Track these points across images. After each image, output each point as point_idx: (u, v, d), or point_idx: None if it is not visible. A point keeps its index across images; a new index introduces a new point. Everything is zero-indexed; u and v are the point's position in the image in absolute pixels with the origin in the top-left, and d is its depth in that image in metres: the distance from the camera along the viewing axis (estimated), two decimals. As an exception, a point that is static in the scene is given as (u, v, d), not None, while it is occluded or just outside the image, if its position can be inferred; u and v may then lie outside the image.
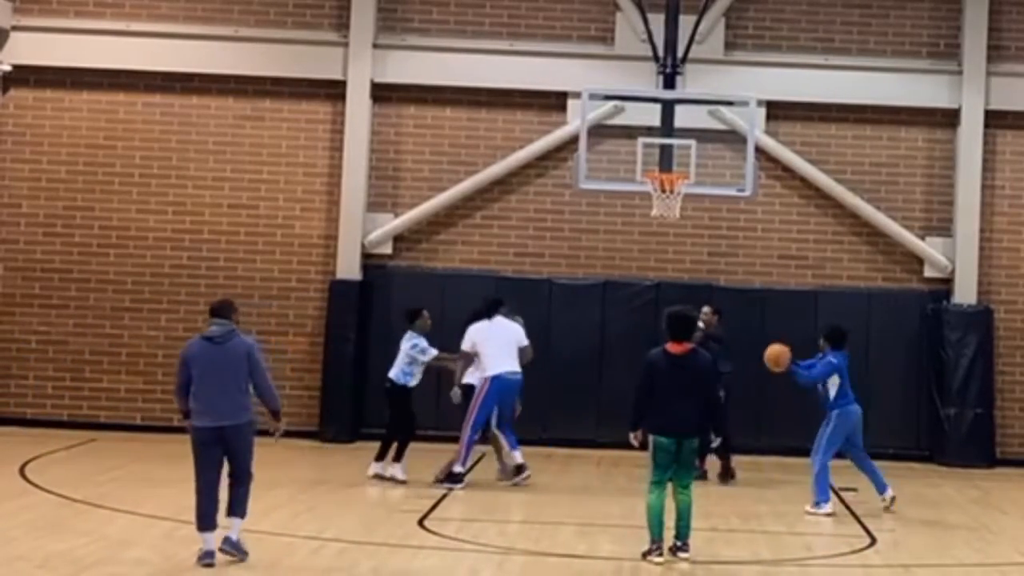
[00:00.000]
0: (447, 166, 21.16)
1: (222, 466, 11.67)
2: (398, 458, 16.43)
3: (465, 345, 16.65)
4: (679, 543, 12.35)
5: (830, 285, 20.88)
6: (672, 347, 12.31)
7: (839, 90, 20.90)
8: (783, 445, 19.80)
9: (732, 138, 20.39)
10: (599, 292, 20.75)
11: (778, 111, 20.91)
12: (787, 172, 21.04)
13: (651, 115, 18.98)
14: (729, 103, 19.90)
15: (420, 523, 13.76)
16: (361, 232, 20.87)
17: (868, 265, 21.09)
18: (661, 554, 12.22)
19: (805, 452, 19.83)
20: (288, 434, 20.18)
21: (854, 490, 17.18)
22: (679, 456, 12.22)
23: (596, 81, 20.01)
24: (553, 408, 20.42)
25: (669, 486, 12.33)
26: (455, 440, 16.55)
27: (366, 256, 20.98)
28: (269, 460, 18.37)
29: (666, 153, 18.37)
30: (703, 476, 17.14)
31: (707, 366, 12.49)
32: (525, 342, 16.90)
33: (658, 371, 12.25)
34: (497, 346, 16.57)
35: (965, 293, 20.70)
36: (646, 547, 12.24)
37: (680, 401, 12.12)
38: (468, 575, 11.52)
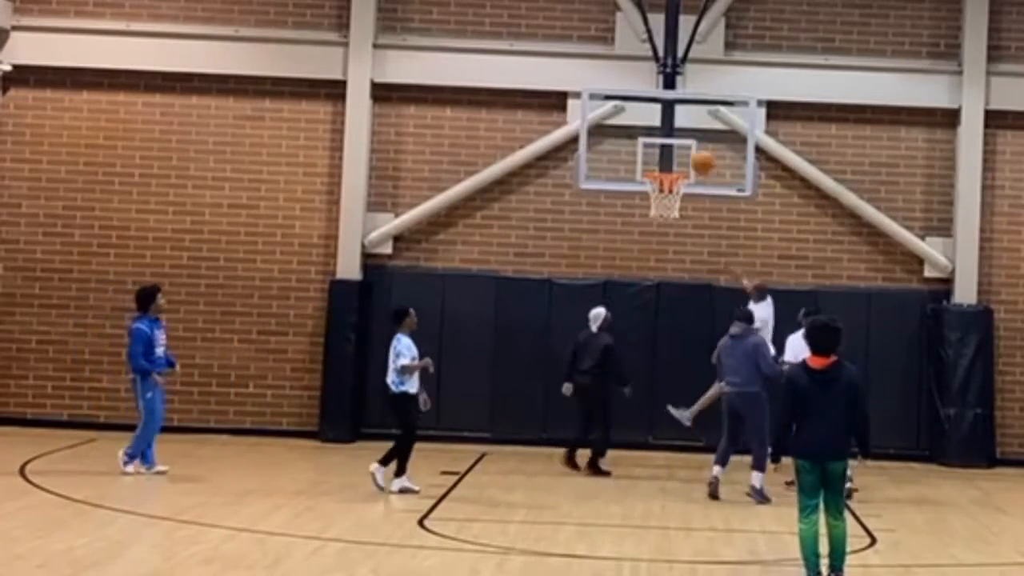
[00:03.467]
0: (447, 166, 21.16)
1: None
2: None
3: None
4: (832, 574, 11.25)
5: (830, 285, 20.87)
6: (813, 361, 11.20)
7: (839, 90, 20.90)
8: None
9: (732, 138, 20.40)
10: (599, 292, 20.73)
11: (778, 111, 20.91)
12: (787, 172, 21.04)
13: (651, 115, 18.97)
14: (729, 103, 19.90)
15: (420, 523, 13.75)
16: (361, 232, 20.87)
17: (868, 265, 21.09)
18: None
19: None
20: (288, 434, 20.43)
21: (855, 490, 17.19)
22: (825, 481, 11.16)
23: (596, 81, 20.01)
24: (553, 408, 20.40)
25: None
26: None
27: (366, 256, 20.98)
28: (269, 460, 18.45)
29: (666, 153, 18.36)
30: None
31: (854, 379, 11.22)
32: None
33: (799, 390, 11.15)
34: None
35: (965, 293, 20.70)
36: None
37: (824, 421, 11.05)
38: (468, 575, 11.51)
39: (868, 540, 13.76)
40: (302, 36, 21.02)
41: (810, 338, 11.35)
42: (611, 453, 19.69)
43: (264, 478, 16.54)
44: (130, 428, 20.07)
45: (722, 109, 20.42)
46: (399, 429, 15.94)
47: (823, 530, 11.33)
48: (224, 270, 21.02)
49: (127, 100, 21.19)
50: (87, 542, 12.21)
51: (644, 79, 20.27)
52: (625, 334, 20.23)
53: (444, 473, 17.14)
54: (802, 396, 11.15)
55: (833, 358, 11.18)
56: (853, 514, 15.42)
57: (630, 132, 19.69)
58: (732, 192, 19.19)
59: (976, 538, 14.31)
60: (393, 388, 15.84)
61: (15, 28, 20.93)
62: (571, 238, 21.12)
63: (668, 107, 18.58)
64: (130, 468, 16.42)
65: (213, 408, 20.77)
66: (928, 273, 21.00)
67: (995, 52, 20.87)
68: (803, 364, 11.32)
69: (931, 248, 20.92)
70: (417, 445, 16.50)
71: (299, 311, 21.02)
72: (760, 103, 19.54)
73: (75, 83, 21.13)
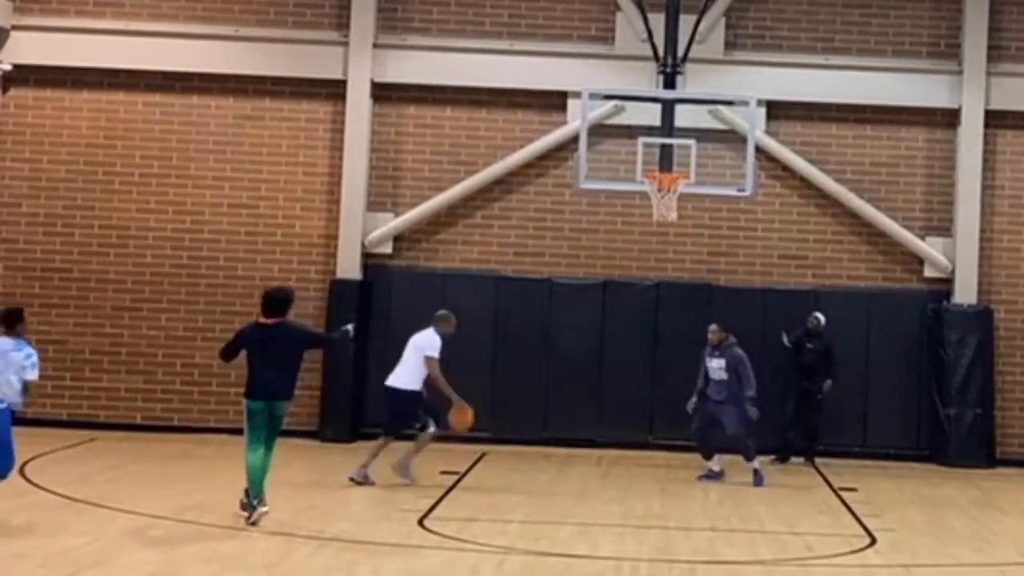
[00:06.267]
0: (447, 166, 21.16)
1: None
2: None
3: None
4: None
5: (830, 285, 20.87)
6: (264, 320, 13.42)
7: (839, 90, 20.90)
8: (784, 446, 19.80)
9: (732, 138, 20.39)
10: (599, 292, 20.75)
11: (778, 111, 20.91)
12: (787, 172, 21.04)
13: (651, 115, 18.96)
14: (729, 103, 19.90)
15: (420, 523, 13.75)
16: (361, 232, 20.87)
17: (868, 265, 21.09)
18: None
19: (804, 452, 19.90)
20: (288, 434, 20.40)
21: (854, 490, 17.21)
22: (271, 419, 13.47)
23: (596, 81, 20.00)
24: (553, 408, 20.42)
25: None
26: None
27: (366, 256, 20.98)
28: (269, 460, 18.39)
29: (666, 153, 18.36)
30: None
31: (296, 336, 13.63)
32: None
33: (250, 340, 13.43)
34: None
35: (965, 293, 20.70)
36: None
37: (271, 368, 13.29)
38: (468, 575, 11.51)
39: (868, 540, 13.76)
40: (302, 36, 21.01)
41: (263, 304, 13.44)
42: (611, 453, 19.75)
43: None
44: (130, 428, 20.17)
45: (722, 109, 20.42)
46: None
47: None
48: (224, 270, 21.02)
49: (127, 100, 21.19)
50: (87, 542, 12.21)
51: (644, 79, 20.26)
52: (626, 334, 20.35)
53: (444, 473, 17.13)
54: (249, 345, 13.33)
55: (279, 319, 13.31)
56: (853, 514, 15.45)
57: (630, 132, 19.69)
58: (732, 192, 19.18)
59: (976, 538, 14.31)
60: None
61: (15, 28, 20.93)
62: (571, 238, 21.11)
63: (668, 107, 18.57)
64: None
65: (213, 408, 20.75)
66: (928, 273, 21.00)
67: (995, 52, 20.86)
68: (256, 321, 13.50)
69: (931, 248, 20.91)
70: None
71: (299, 311, 20.87)
72: (760, 103, 19.52)
73: (75, 83, 21.13)
